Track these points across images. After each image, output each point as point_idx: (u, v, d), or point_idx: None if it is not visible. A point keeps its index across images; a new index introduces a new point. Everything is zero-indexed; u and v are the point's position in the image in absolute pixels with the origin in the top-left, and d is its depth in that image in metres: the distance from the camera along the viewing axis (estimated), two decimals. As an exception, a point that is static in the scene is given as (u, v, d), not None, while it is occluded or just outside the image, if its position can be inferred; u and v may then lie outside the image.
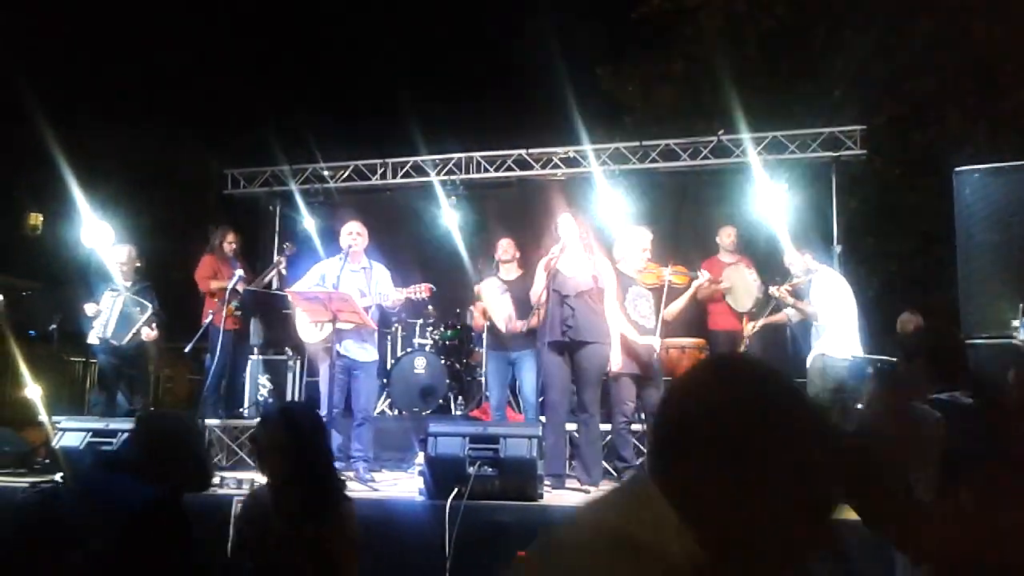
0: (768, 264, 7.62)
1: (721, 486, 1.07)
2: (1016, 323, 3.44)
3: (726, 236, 7.78)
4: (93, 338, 7.25)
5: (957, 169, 6.01)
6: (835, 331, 6.51)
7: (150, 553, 2.04)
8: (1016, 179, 5.73)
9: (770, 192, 8.55)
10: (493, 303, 6.89)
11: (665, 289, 6.19)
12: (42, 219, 14.04)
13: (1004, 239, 5.61)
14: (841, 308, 6.60)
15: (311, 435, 2.93)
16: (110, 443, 5.20)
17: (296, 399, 8.37)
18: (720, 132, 9.19)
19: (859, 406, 3.54)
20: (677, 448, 1.12)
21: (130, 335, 7.18)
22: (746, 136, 9.08)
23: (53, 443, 5.45)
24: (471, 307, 8.18)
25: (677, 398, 1.16)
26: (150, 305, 7.23)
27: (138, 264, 7.50)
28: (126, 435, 5.28)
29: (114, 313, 7.21)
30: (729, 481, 1.06)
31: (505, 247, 7.26)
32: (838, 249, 8.32)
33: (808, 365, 6.70)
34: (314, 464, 2.88)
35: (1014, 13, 11.09)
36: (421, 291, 6.31)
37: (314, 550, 2.73)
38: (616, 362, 5.58)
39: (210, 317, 7.22)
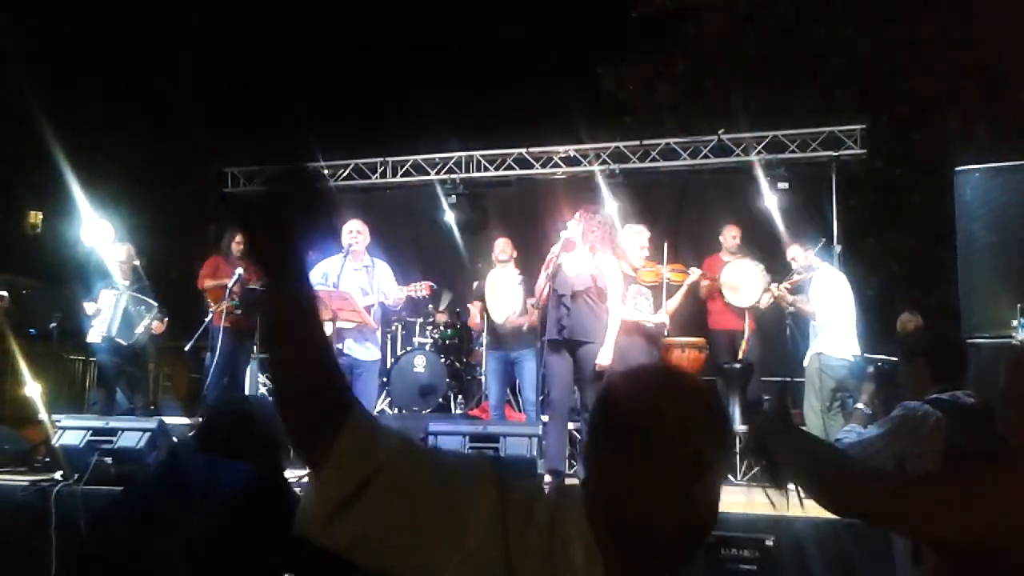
0: (768, 263, 7.61)
1: (609, 473, 1.19)
2: (1015, 323, 3.44)
3: (729, 235, 7.78)
4: (95, 336, 7.25)
5: (957, 169, 6.00)
6: (834, 330, 6.52)
7: (260, 527, 2.00)
8: (1017, 179, 5.73)
9: (770, 191, 8.56)
10: (504, 293, 6.88)
11: (664, 286, 6.27)
12: (42, 217, 14.04)
13: (1004, 239, 5.60)
14: (840, 307, 6.60)
15: None
16: (110, 441, 5.19)
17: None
18: (720, 131, 9.19)
19: (859, 406, 3.53)
20: (590, 438, 1.26)
21: (137, 333, 7.18)
22: (746, 135, 9.09)
23: (53, 441, 5.44)
24: (468, 305, 8.19)
25: (599, 397, 1.28)
26: (155, 303, 7.25)
27: (136, 263, 7.50)
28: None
29: (117, 312, 7.20)
30: (615, 467, 1.18)
31: (502, 247, 7.25)
32: (838, 249, 8.32)
33: (805, 364, 6.70)
34: None
35: (1014, 12, 11.09)
36: (422, 289, 6.32)
37: None
38: (605, 359, 5.51)
39: (210, 313, 7.23)
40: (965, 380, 3.03)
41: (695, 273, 6.64)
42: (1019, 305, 3.64)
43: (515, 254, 7.16)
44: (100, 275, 7.48)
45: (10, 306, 7.88)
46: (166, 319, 7.37)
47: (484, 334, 7.32)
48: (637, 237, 6.28)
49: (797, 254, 7.00)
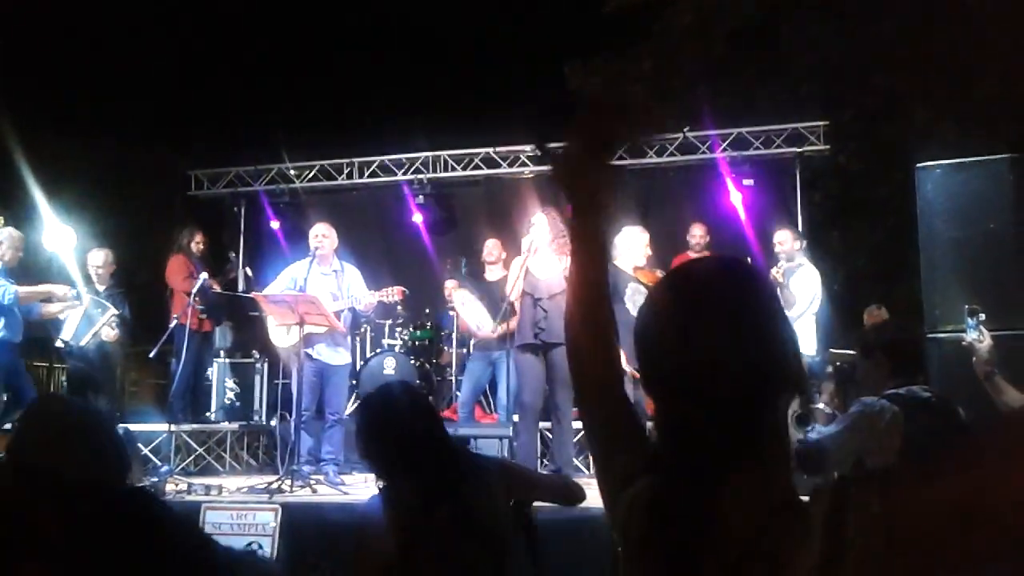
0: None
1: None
2: (971, 321, 3.48)
3: (696, 233, 7.84)
4: (59, 342, 7.14)
5: (919, 165, 6.05)
6: (805, 326, 6.58)
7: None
8: (978, 174, 5.78)
9: (736, 188, 8.62)
10: (466, 313, 6.91)
11: None
12: (2, 222, 13.80)
13: (966, 234, 5.66)
14: (815, 304, 6.67)
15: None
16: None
17: (265, 402, 8.30)
18: (686, 129, 9.24)
19: (820, 405, 3.57)
20: None
21: (89, 335, 7.06)
22: (711, 132, 9.15)
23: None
24: (450, 308, 8.23)
25: None
26: (111, 306, 7.12)
27: (114, 268, 7.40)
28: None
29: (77, 316, 7.09)
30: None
31: (490, 248, 7.29)
32: (803, 243, 8.39)
33: None
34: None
35: (976, 9, 11.23)
36: (393, 294, 6.31)
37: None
38: None
39: (175, 320, 7.13)
40: (922, 374, 3.07)
41: None
42: (966, 306, 3.68)
43: (504, 255, 7.17)
44: (65, 281, 7.37)
45: None
46: (116, 330, 7.18)
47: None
48: (642, 236, 6.38)
49: (785, 239, 6.96)
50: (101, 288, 7.21)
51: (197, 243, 8.08)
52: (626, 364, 5.66)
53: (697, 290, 1.12)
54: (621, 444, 1.24)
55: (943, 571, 0.87)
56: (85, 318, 7.08)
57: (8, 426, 6.17)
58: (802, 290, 6.64)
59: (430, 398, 8.17)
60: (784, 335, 1.11)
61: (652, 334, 1.13)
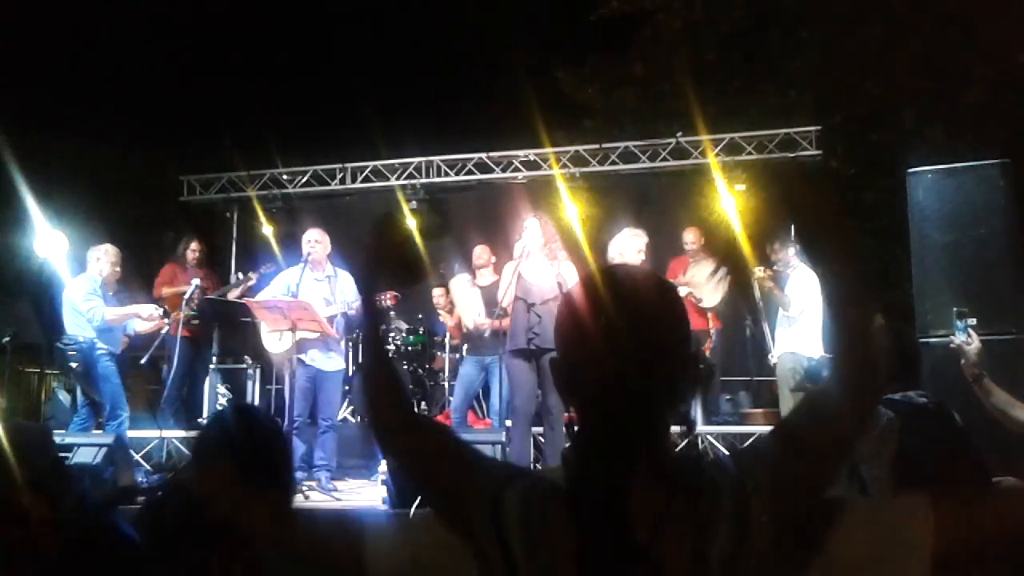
0: (730, 263, 7.69)
1: None
2: (960, 324, 3.50)
3: (690, 237, 7.88)
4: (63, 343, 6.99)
5: (910, 170, 6.07)
6: (808, 329, 6.59)
7: None
8: (969, 179, 5.81)
9: (728, 193, 8.64)
10: (463, 300, 6.88)
11: None
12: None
13: (957, 239, 5.68)
14: (815, 307, 6.69)
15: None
16: (66, 457, 5.09)
17: (257, 408, 8.27)
18: (678, 134, 9.26)
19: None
20: None
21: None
22: (704, 138, 9.16)
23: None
24: (439, 312, 8.21)
25: None
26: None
27: (118, 269, 7.35)
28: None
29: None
30: None
31: (479, 253, 7.29)
32: (796, 248, 8.41)
33: (776, 361, 6.77)
34: None
35: (963, 14, 11.30)
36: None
37: None
38: None
39: (166, 327, 7.08)
40: (918, 380, 3.08)
41: (683, 291, 6.76)
42: (955, 309, 3.70)
43: (494, 259, 7.17)
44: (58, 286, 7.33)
45: None
46: (125, 335, 7.18)
47: (463, 339, 7.32)
48: (635, 240, 6.38)
49: (781, 248, 7.05)
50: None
51: (193, 251, 8.06)
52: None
53: (615, 306, 1.23)
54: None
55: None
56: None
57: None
58: (798, 292, 6.66)
59: (423, 404, 8.18)
60: (687, 347, 1.26)
61: (572, 346, 1.30)
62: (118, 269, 6.84)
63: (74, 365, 6.42)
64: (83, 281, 6.60)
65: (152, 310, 6.72)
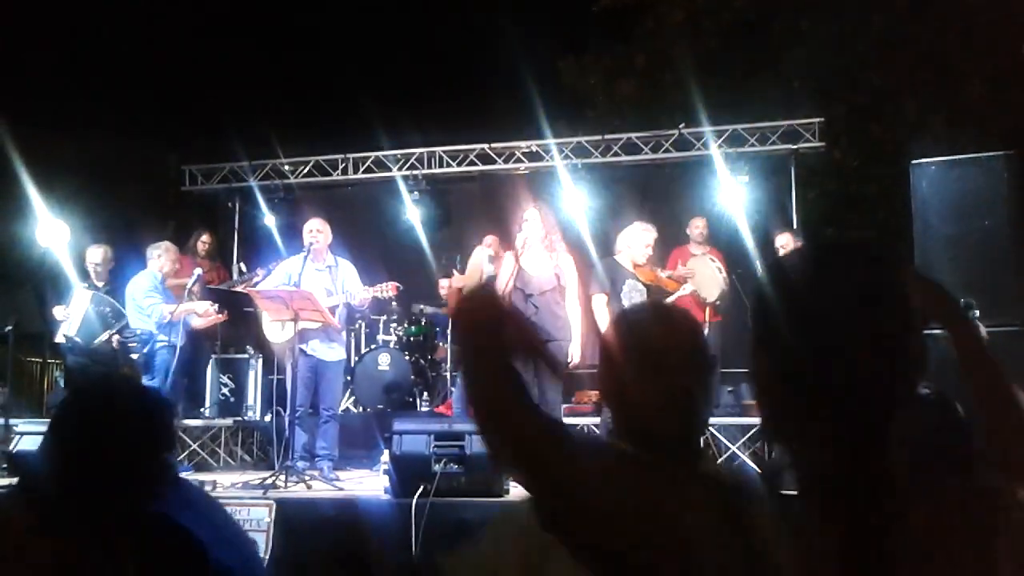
0: (731, 255, 7.70)
1: None
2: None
3: (696, 227, 7.89)
4: (60, 337, 7.08)
5: (913, 162, 6.07)
6: None
7: None
8: (972, 171, 5.80)
9: (731, 184, 8.63)
10: (475, 267, 6.87)
11: (655, 288, 6.47)
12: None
13: (961, 231, 5.68)
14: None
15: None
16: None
17: (259, 398, 8.27)
18: (681, 125, 9.23)
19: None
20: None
21: (98, 340, 7.00)
22: (707, 129, 9.14)
23: (10, 447, 5.34)
24: (444, 295, 8.21)
25: None
26: (127, 315, 7.06)
27: (113, 264, 7.36)
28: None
29: (79, 312, 7.02)
30: None
31: (489, 243, 7.25)
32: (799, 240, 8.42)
33: None
34: None
35: (963, 7, 11.27)
36: (388, 290, 6.28)
37: None
38: (576, 356, 5.65)
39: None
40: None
41: (687, 289, 6.83)
42: (961, 300, 3.69)
43: (503, 252, 7.16)
44: (58, 277, 7.34)
45: None
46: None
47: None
48: (645, 235, 6.43)
49: (787, 242, 7.11)
50: (100, 284, 7.16)
51: (204, 243, 8.23)
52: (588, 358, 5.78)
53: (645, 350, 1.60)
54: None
55: None
56: (88, 315, 7.02)
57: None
58: None
59: (424, 394, 8.18)
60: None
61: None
62: (178, 266, 7.11)
63: (135, 356, 6.78)
64: (144, 278, 6.84)
65: (208, 307, 6.95)
